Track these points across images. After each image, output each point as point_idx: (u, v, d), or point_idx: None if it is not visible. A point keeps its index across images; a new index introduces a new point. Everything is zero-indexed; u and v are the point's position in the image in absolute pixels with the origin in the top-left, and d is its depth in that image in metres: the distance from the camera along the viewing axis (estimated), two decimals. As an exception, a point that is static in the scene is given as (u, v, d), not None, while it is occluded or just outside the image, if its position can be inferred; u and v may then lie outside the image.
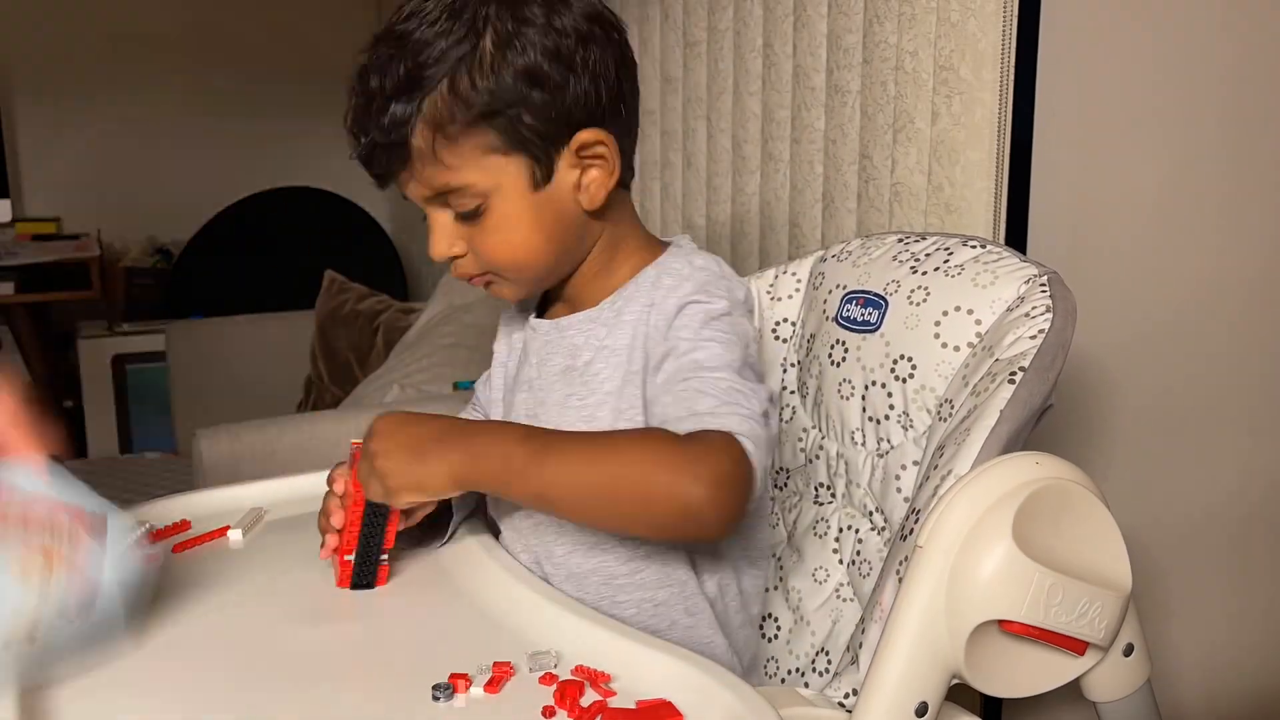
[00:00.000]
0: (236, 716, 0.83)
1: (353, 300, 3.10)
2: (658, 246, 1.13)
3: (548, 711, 0.83)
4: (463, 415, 1.26)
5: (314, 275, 3.23)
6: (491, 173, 1.01)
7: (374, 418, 0.99)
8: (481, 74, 0.98)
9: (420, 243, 3.90)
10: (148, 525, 1.16)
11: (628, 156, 1.08)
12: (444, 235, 1.05)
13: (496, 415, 1.21)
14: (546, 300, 1.17)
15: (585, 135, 1.02)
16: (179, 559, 1.12)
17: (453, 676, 0.85)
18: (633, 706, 0.82)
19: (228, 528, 1.18)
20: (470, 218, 1.03)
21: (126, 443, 3.68)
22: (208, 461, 1.95)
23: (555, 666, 0.88)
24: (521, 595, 0.99)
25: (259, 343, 3.41)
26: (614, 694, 0.85)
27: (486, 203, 1.02)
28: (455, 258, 1.06)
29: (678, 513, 0.89)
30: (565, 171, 1.03)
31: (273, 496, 1.26)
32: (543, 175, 1.02)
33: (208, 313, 3.61)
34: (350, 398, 2.71)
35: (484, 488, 0.97)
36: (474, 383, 1.31)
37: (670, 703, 0.82)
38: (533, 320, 1.15)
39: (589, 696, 0.84)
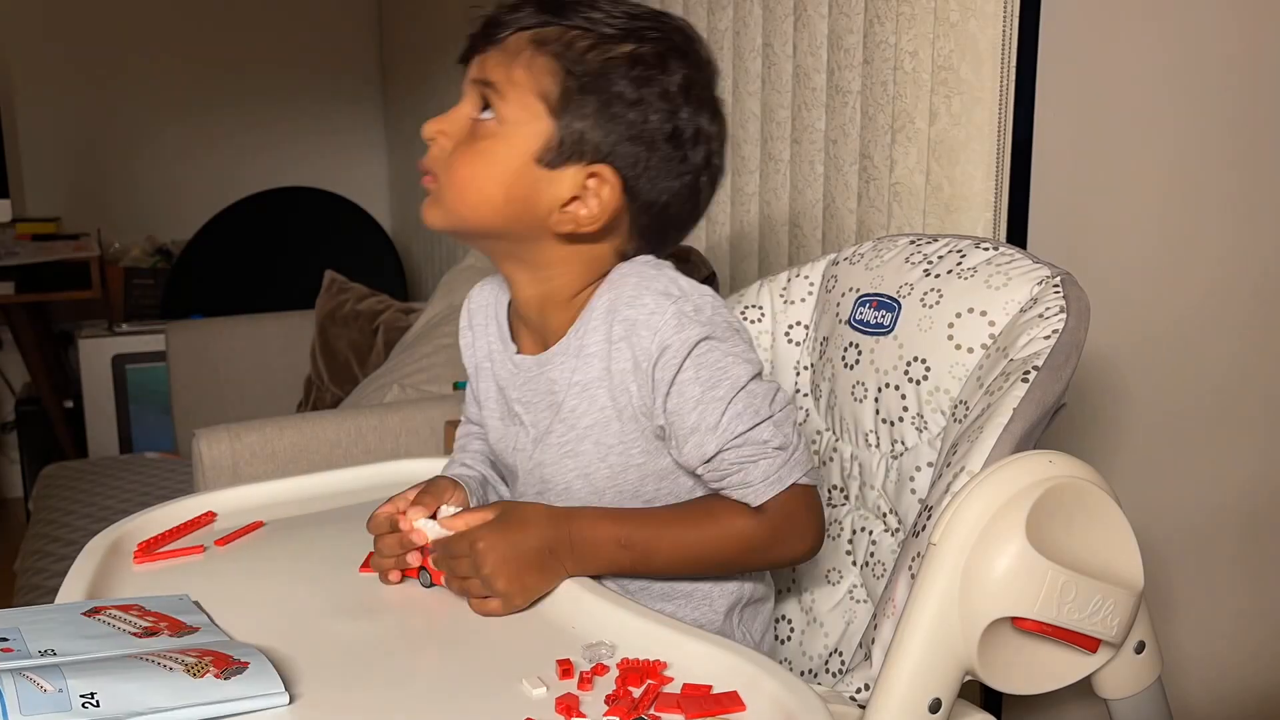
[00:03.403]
0: (312, 713, 0.84)
1: (353, 300, 3.10)
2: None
3: (610, 699, 0.83)
4: (461, 429, 1.26)
5: (314, 275, 3.23)
6: (525, 111, 1.02)
7: (470, 535, 0.99)
8: (602, 49, 1.01)
9: (420, 242, 3.90)
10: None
11: (650, 227, 1.06)
12: (448, 120, 1.05)
13: (492, 442, 1.19)
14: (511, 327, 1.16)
15: (601, 169, 1.02)
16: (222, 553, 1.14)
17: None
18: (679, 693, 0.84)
19: (261, 523, 1.19)
20: (477, 126, 1.03)
21: (127, 443, 3.68)
22: (207, 461, 1.95)
23: (610, 657, 0.89)
24: (566, 589, 1.00)
25: (259, 343, 3.41)
26: (670, 680, 0.86)
27: (493, 126, 1.02)
28: (433, 140, 1.05)
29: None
30: (567, 179, 1.02)
31: (286, 496, 1.27)
32: (551, 162, 1.02)
33: (208, 313, 3.61)
34: (350, 398, 2.71)
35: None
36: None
37: (727, 692, 0.83)
38: (515, 357, 1.12)
39: (646, 685, 0.85)
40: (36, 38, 3.86)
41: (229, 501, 1.25)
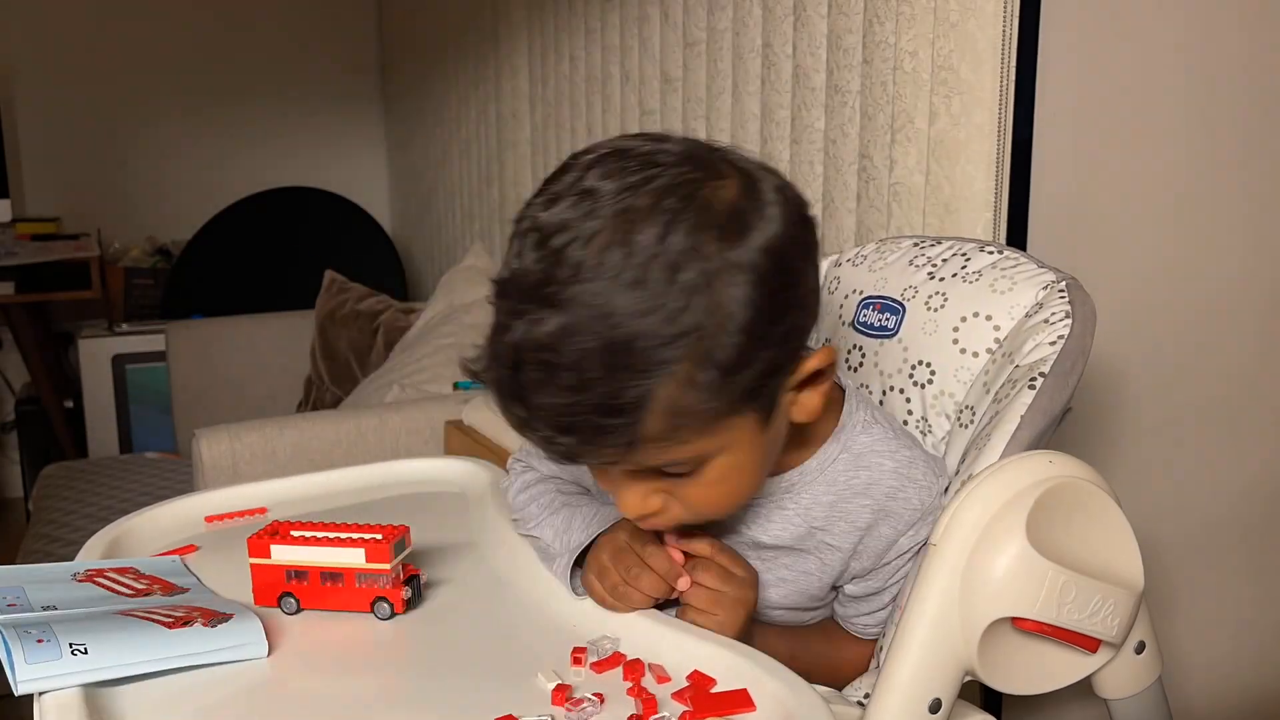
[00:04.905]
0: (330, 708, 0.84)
1: (353, 300, 3.11)
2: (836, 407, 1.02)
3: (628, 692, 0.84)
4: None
5: (314, 275, 3.24)
6: (722, 434, 0.85)
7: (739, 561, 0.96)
8: (728, 344, 0.80)
9: (420, 242, 3.91)
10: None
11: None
12: (639, 495, 0.89)
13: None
14: None
15: (813, 364, 0.90)
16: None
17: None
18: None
19: (264, 509, 1.20)
20: (681, 474, 0.88)
21: (127, 443, 3.69)
22: (207, 461, 1.95)
23: (610, 654, 0.90)
24: (558, 588, 1.00)
25: (259, 343, 3.42)
26: (668, 680, 0.87)
27: (708, 461, 0.87)
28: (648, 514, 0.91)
29: None
30: (785, 398, 0.91)
31: (286, 495, 1.27)
32: (771, 415, 0.89)
33: (208, 313, 3.61)
34: (350, 398, 2.71)
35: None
36: (473, 383, 1.27)
37: (738, 690, 0.84)
38: None
39: (650, 681, 0.86)
40: (36, 38, 3.87)
41: (227, 501, 1.25)
